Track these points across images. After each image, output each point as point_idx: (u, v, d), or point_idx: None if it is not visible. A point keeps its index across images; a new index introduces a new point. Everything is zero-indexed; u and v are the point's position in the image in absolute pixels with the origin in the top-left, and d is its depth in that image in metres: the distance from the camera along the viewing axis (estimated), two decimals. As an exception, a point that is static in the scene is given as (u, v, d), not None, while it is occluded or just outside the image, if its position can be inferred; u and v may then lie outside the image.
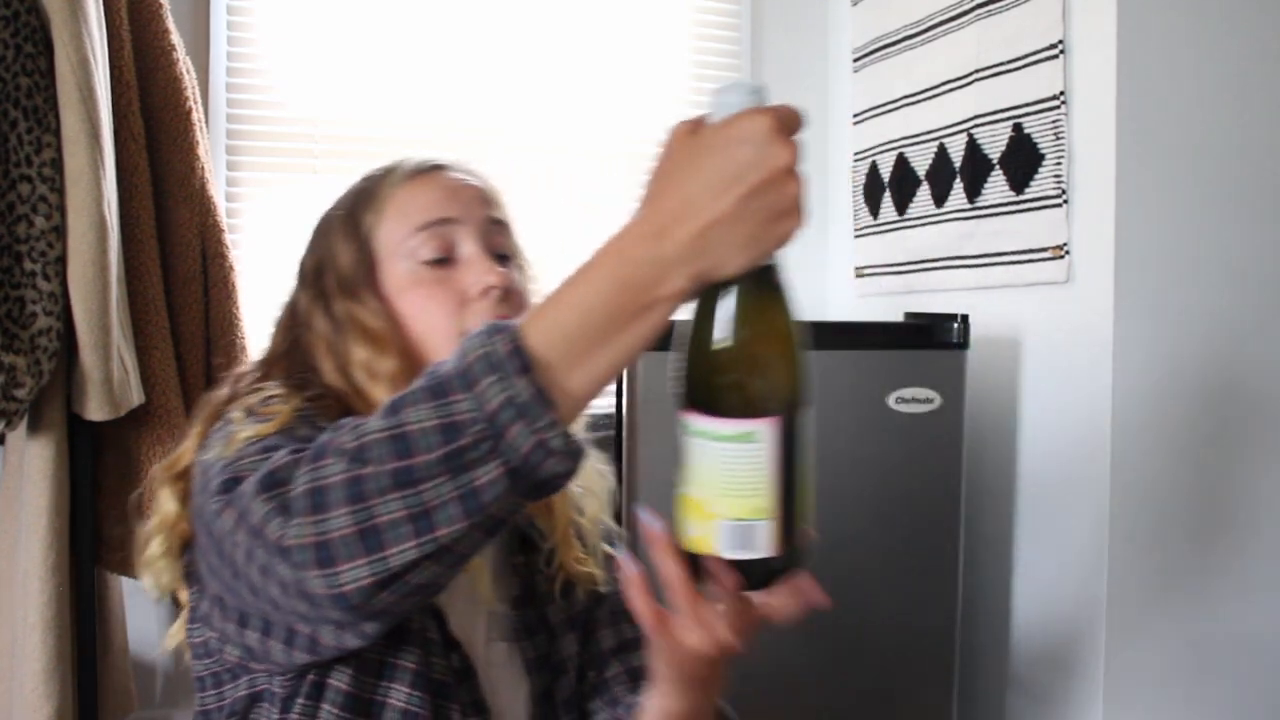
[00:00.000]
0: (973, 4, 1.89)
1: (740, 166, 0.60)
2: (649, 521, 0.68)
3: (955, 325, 1.71)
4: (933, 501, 1.71)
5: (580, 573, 0.98)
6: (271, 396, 0.85)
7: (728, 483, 0.64)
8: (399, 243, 0.93)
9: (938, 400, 1.69)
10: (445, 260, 0.92)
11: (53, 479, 1.47)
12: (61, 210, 1.42)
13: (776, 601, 0.72)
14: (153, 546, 0.89)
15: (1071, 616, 1.73)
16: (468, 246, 0.93)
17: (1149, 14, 1.64)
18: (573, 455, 0.62)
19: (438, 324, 0.91)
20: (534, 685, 0.93)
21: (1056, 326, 1.75)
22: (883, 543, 1.69)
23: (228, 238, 1.71)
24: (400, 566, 0.62)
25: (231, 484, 0.73)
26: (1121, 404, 1.65)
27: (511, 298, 0.93)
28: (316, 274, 0.95)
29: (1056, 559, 1.76)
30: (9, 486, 1.54)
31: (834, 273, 2.37)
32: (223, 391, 0.92)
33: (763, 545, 0.66)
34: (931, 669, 1.73)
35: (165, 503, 0.88)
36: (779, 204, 0.61)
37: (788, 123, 0.61)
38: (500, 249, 0.96)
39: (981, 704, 1.91)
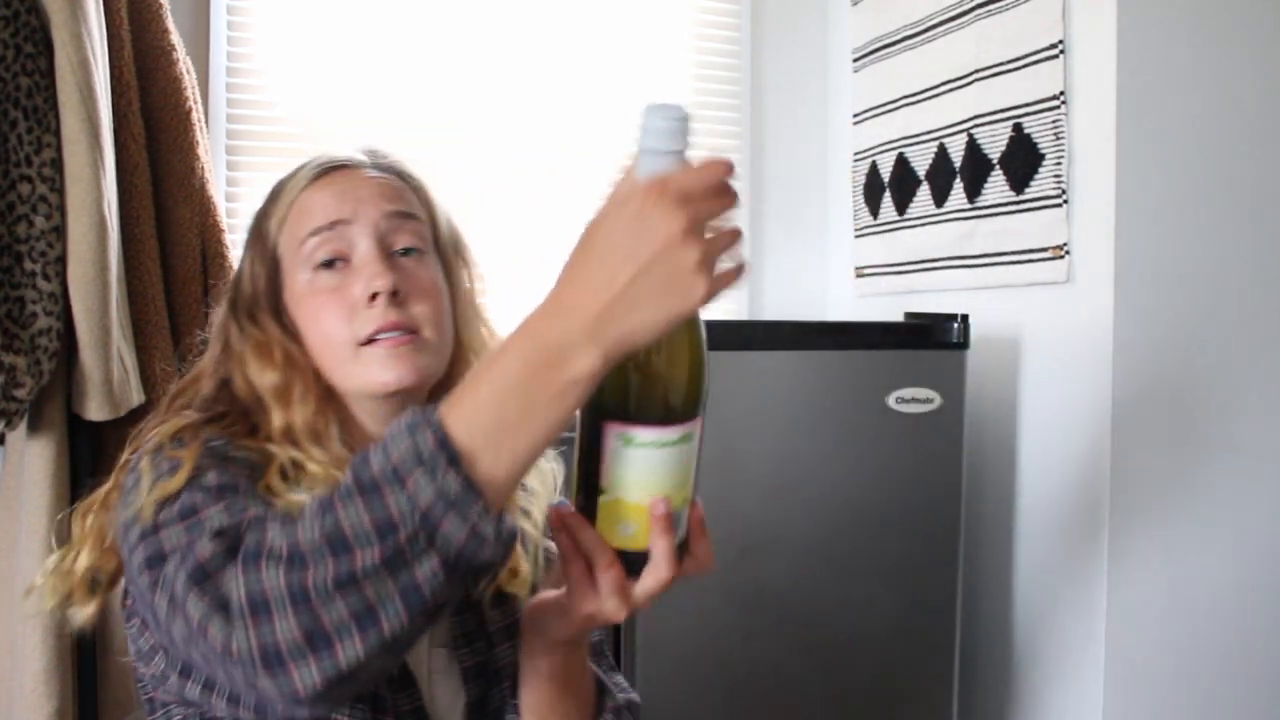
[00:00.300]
0: (973, 4, 1.89)
1: (629, 243, 0.62)
2: (570, 512, 0.73)
3: (955, 325, 1.71)
4: (933, 501, 1.71)
5: (510, 578, 0.95)
6: (181, 430, 0.85)
7: (669, 480, 0.70)
8: (295, 250, 0.92)
9: (938, 400, 1.69)
10: (339, 263, 0.91)
11: (53, 479, 1.47)
12: (61, 210, 1.42)
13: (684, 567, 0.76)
14: (64, 585, 0.88)
15: (1071, 616, 1.73)
16: (362, 246, 0.91)
17: (1149, 14, 1.64)
18: (506, 541, 0.64)
19: (330, 332, 0.90)
20: (470, 693, 0.92)
21: (1056, 326, 1.75)
22: (883, 543, 1.69)
23: (228, 238, 1.71)
24: (349, 665, 0.62)
25: (156, 561, 0.72)
26: (1121, 404, 1.65)
27: (408, 297, 0.90)
28: (234, 285, 0.96)
29: (1056, 558, 1.76)
30: (9, 486, 1.54)
31: (834, 273, 2.37)
32: (150, 421, 0.90)
33: (684, 525, 0.74)
34: (931, 668, 1.73)
35: (83, 548, 0.88)
36: (676, 273, 0.62)
37: (683, 187, 0.63)
38: (402, 244, 0.93)
39: (981, 704, 1.91)
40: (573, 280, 0.65)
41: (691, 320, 0.69)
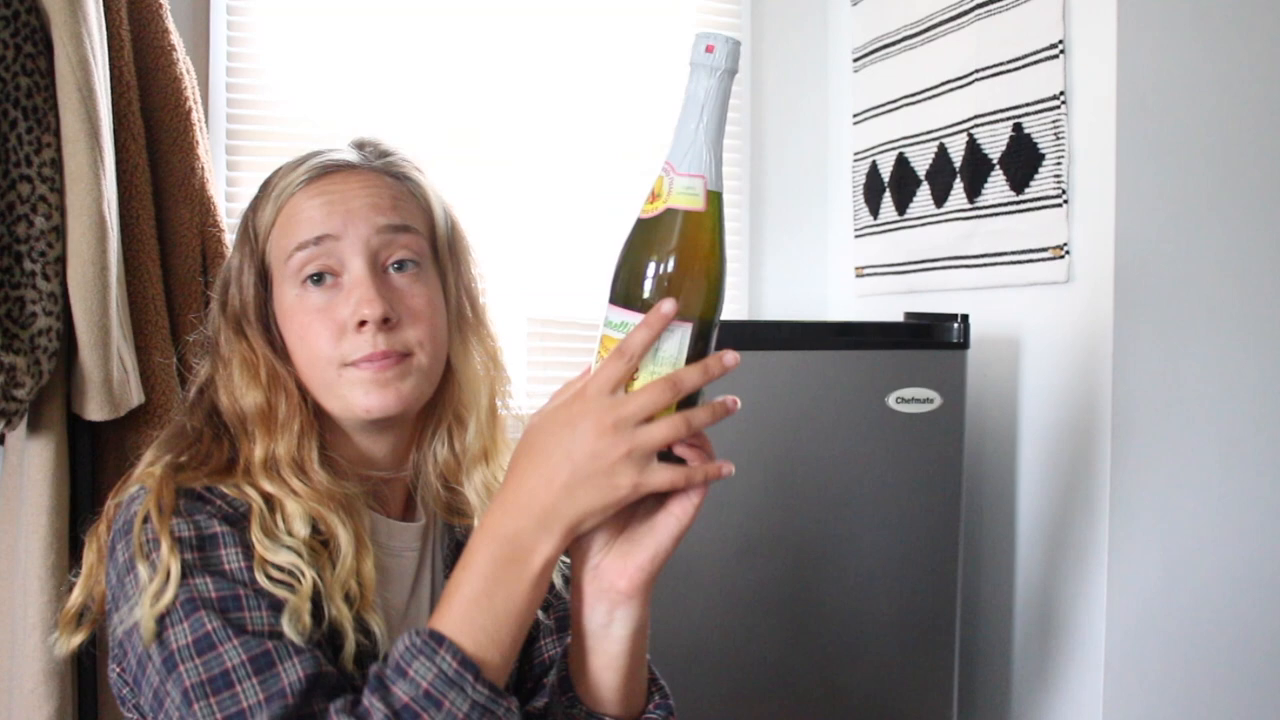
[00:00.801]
0: (973, 4, 1.89)
1: (564, 444, 0.72)
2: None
3: (955, 325, 1.71)
4: (933, 501, 1.71)
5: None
6: (160, 494, 0.82)
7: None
8: (283, 262, 0.89)
9: (938, 400, 1.69)
10: (329, 279, 0.88)
11: (53, 479, 1.47)
12: (61, 210, 1.42)
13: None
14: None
15: (1071, 616, 1.73)
16: (353, 265, 0.88)
17: (1149, 14, 1.64)
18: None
19: (316, 352, 0.88)
20: None
21: (1056, 326, 1.75)
22: (883, 542, 1.69)
23: (227, 238, 1.71)
24: None
25: (180, 696, 0.74)
26: (1121, 404, 1.65)
27: (399, 322, 0.88)
28: (223, 285, 0.94)
29: (1056, 558, 1.76)
30: (9, 486, 1.54)
31: (834, 273, 2.37)
32: (127, 494, 0.88)
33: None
34: (931, 669, 1.73)
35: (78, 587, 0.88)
36: (602, 467, 0.71)
37: (610, 389, 0.72)
38: (396, 258, 0.90)
39: (982, 703, 1.91)
40: (520, 479, 0.74)
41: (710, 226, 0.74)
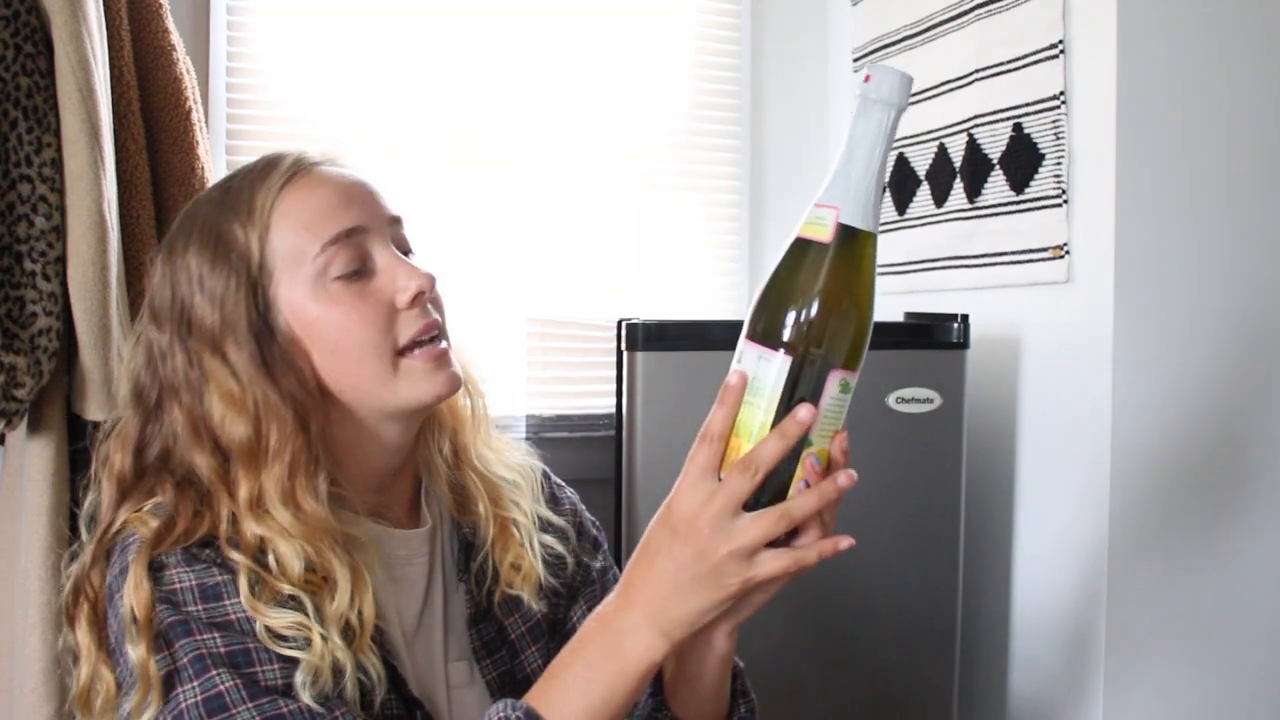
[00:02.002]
0: (973, 4, 1.89)
1: (698, 582, 0.71)
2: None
3: (955, 325, 1.71)
4: (933, 501, 1.71)
5: (513, 575, 0.94)
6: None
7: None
8: (305, 260, 0.84)
9: (938, 400, 1.69)
10: (360, 273, 0.86)
11: (53, 479, 1.47)
12: (61, 210, 1.42)
13: None
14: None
15: (1072, 616, 1.73)
16: (380, 252, 0.87)
17: (1149, 14, 1.64)
18: None
19: (365, 343, 0.84)
20: None
21: (1056, 326, 1.75)
22: (883, 542, 1.69)
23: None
24: None
25: None
26: (1121, 403, 1.65)
27: (436, 300, 0.90)
28: (176, 310, 0.85)
29: (1056, 558, 1.76)
30: (9, 486, 1.54)
31: (834, 273, 2.37)
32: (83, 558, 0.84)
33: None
34: (931, 668, 1.73)
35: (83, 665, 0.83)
36: (719, 582, 0.71)
37: (754, 544, 0.70)
38: (405, 246, 0.91)
39: (982, 703, 1.91)
40: (640, 573, 0.73)
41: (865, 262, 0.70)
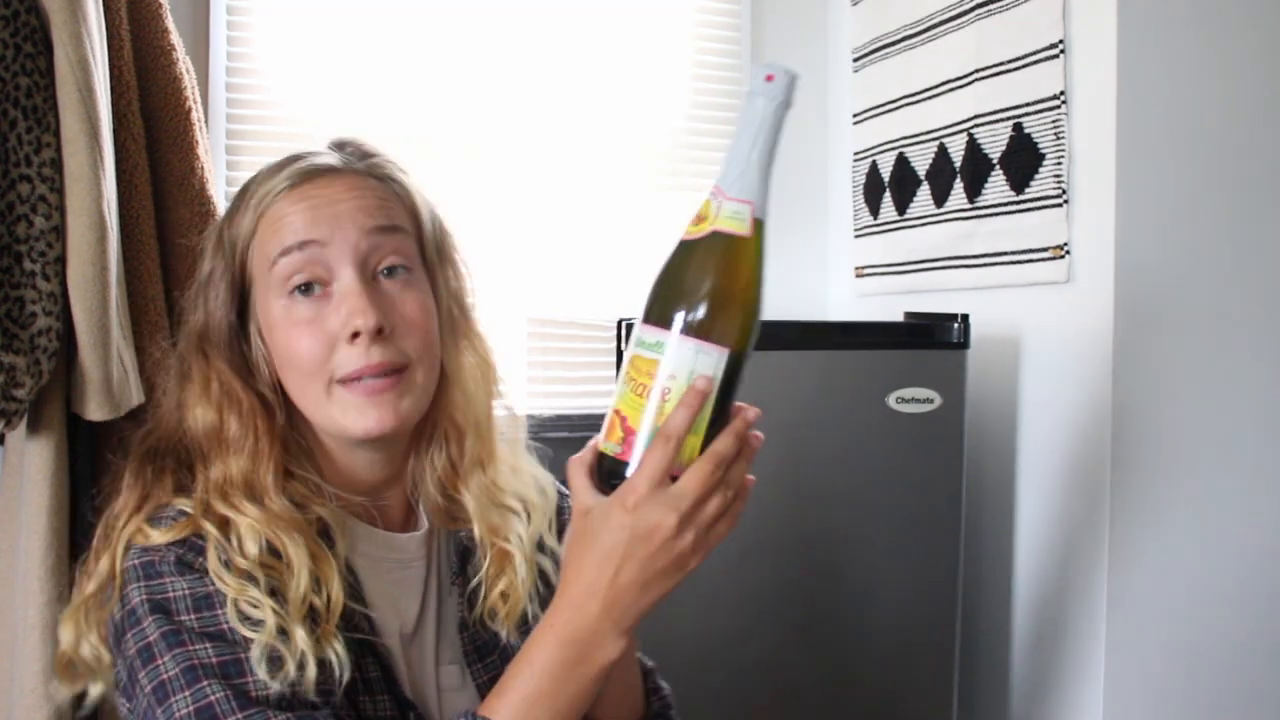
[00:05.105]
0: (973, 4, 1.89)
1: (626, 543, 0.72)
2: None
3: (955, 325, 1.71)
4: (933, 501, 1.71)
5: (500, 604, 0.94)
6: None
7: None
8: (266, 270, 0.86)
9: (938, 400, 1.69)
10: (317, 289, 0.85)
11: (52, 479, 1.47)
12: (61, 210, 1.42)
13: None
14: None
15: (1072, 616, 1.73)
16: (342, 273, 0.84)
17: (1149, 14, 1.64)
18: None
19: (305, 367, 0.84)
20: None
21: (1056, 326, 1.75)
22: (883, 542, 1.69)
23: (227, 238, 1.71)
24: None
25: None
26: (1121, 404, 1.65)
27: (394, 331, 0.85)
28: (199, 298, 0.90)
29: (1056, 558, 1.76)
30: (9, 486, 1.54)
31: (834, 273, 2.37)
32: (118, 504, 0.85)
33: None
34: (931, 669, 1.73)
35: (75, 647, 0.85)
36: (672, 560, 0.72)
37: (678, 491, 0.72)
38: (386, 263, 0.87)
39: (982, 703, 1.91)
40: (587, 578, 0.74)
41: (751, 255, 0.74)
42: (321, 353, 0.84)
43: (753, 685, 1.63)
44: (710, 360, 0.72)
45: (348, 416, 0.85)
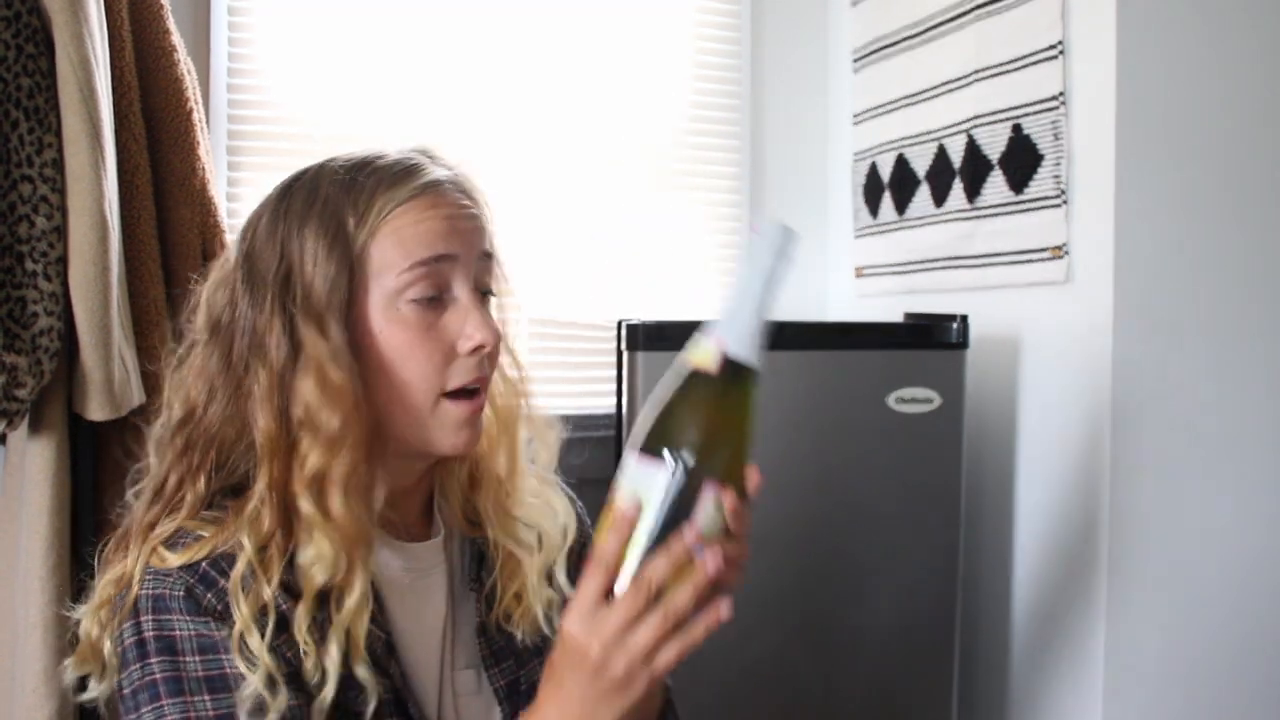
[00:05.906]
0: (973, 4, 1.89)
1: (563, 668, 0.74)
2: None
3: (955, 325, 1.71)
4: (933, 501, 1.71)
5: (515, 605, 0.95)
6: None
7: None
8: (389, 273, 0.84)
9: (938, 400, 1.69)
10: (435, 301, 0.86)
11: (53, 479, 1.47)
12: (63, 210, 1.42)
13: None
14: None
15: (1071, 616, 1.73)
16: (461, 289, 0.86)
17: (1149, 14, 1.64)
18: None
19: (416, 376, 0.85)
20: (504, 711, 0.93)
21: (1056, 326, 1.75)
22: (883, 543, 1.69)
23: (228, 238, 1.71)
24: None
25: None
26: (1121, 404, 1.65)
27: (494, 353, 0.89)
28: (282, 280, 0.84)
29: (1056, 558, 1.76)
30: (9, 486, 1.54)
31: (834, 273, 2.37)
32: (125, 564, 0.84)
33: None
34: (931, 669, 1.73)
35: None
36: (627, 691, 0.73)
37: (612, 630, 0.72)
38: (486, 285, 0.90)
39: (981, 704, 1.91)
40: (551, 697, 0.75)
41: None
42: (439, 362, 0.85)
43: (751, 685, 1.63)
44: (651, 478, 0.73)
45: (446, 432, 0.87)
